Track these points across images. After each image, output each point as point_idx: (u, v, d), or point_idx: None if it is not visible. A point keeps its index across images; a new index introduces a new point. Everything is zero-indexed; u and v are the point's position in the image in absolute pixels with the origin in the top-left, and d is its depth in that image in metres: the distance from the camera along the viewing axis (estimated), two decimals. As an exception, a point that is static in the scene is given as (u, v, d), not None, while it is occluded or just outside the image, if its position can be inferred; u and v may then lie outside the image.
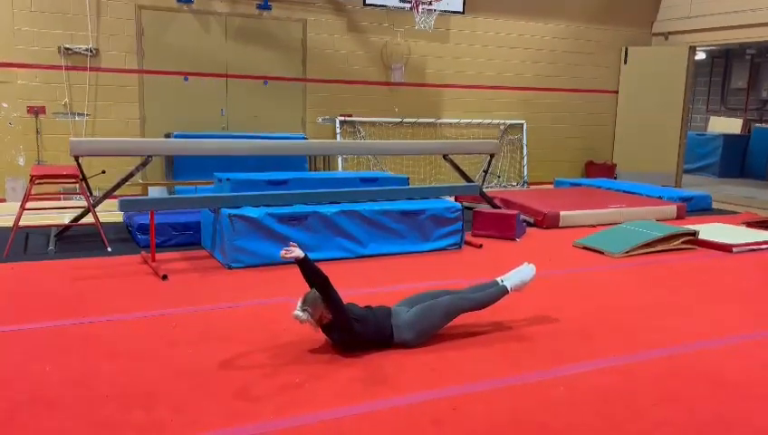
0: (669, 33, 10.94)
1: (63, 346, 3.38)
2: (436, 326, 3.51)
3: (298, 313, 3.22)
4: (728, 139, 13.02)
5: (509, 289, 3.75)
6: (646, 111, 10.84)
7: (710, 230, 6.53)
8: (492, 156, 7.59)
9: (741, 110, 13.82)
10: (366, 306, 3.50)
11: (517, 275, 3.81)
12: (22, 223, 5.47)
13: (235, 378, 3.04)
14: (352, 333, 3.29)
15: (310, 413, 2.71)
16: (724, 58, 13.90)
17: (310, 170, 8.50)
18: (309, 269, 3.26)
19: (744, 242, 6.15)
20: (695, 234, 6.16)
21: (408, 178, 6.73)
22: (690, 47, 10.59)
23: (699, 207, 8.57)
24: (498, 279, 3.80)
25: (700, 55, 12.81)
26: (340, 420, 2.67)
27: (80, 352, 3.29)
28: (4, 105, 7.52)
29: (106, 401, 2.77)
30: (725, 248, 6.05)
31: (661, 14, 11.08)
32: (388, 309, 3.50)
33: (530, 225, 7.03)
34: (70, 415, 2.65)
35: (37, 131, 7.67)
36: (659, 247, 5.95)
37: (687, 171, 12.05)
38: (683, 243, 6.08)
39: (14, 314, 3.86)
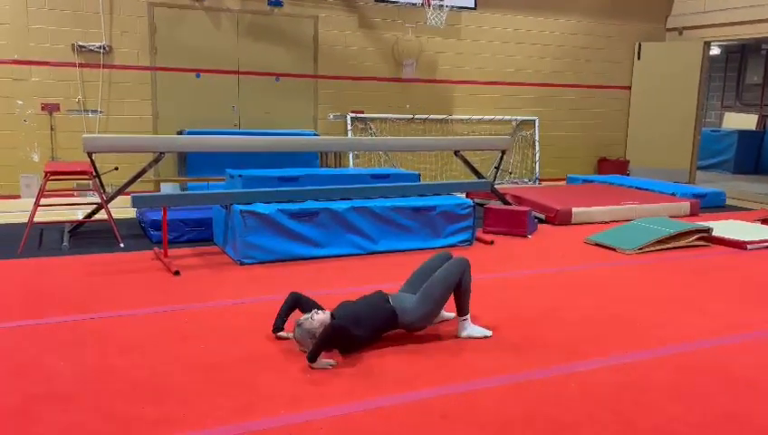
0: (684, 28, 10.84)
1: (77, 341, 3.41)
2: (439, 301, 3.49)
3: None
4: (743, 135, 12.90)
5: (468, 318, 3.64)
6: (659, 107, 10.76)
7: (724, 227, 6.48)
8: (503, 152, 7.56)
9: (756, 105, 13.67)
10: (360, 298, 3.53)
11: (480, 330, 3.66)
12: (36, 219, 5.53)
13: (246, 373, 3.05)
14: (357, 342, 3.30)
15: (320, 408, 2.72)
16: (740, 53, 13.75)
17: (321, 167, 8.52)
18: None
19: (758, 239, 6.09)
20: (708, 231, 6.12)
21: (420, 175, 6.72)
22: (705, 42, 10.49)
23: (713, 204, 8.50)
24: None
25: (715, 50, 12.68)
26: (351, 415, 2.68)
27: (93, 347, 3.32)
28: (19, 102, 7.59)
29: (118, 395, 2.79)
30: (739, 245, 6.00)
31: (675, 9, 10.99)
32: (385, 294, 3.51)
33: (542, 221, 7.01)
34: (83, 408, 2.68)
35: (51, 128, 7.74)
36: (672, 244, 5.91)
37: (701, 168, 11.95)
38: (696, 240, 6.04)
39: (29, 308, 3.91)
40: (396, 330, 3.46)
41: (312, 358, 3.10)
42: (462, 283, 3.56)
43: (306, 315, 3.33)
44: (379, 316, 3.38)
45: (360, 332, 3.29)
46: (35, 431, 2.50)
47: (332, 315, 3.37)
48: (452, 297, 3.57)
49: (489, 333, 3.60)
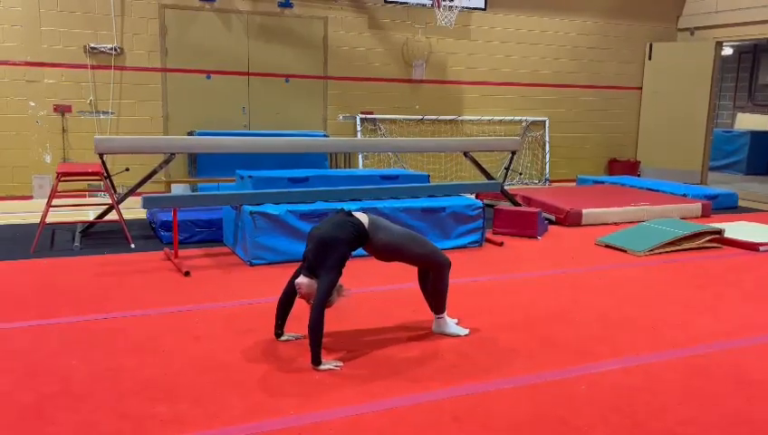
0: (695, 28, 10.77)
1: (89, 341, 3.43)
2: (405, 248, 3.49)
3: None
4: (756, 135, 12.78)
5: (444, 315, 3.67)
6: (670, 108, 10.69)
7: (736, 229, 6.43)
8: (513, 153, 7.55)
9: (769, 106, 13.57)
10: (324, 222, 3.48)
11: (454, 327, 3.67)
12: (48, 220, 5.56)
13: (257, 373, 3.06)
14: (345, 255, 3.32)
15: (330, 409, 2.72)
16: (752, 53, 13.64)
17: (330, 168, 8.53)
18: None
19: (771, 240, 6.04)
20: (720, 232, 6.07)
21: (429, 176, 6.71)
22: (717, 42, 10.42)
23: (725, 206, 8.43)
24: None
25: (727, 51, 12.58)
26: (361, 416, 2.68)
27: (105, 347, 3.34)
28: (32, 104, 7.65)
29: (130, 395, 2.81)
30: (751, 247, 5.95)
31: (687, 9, 10.92)
32: (345, 213, 3.46)
33: (552, 222, 6.98)
34: (95, 407, 2.69)
35: (63, 129, 7.79)
36: (683, 246, 5.87)
37: (713, 169, 11.85)
38: (708, 241, 5.99)
39: (41, 308, 3.93)
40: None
41: (316, 361, 3.11)
42: (440, 279, 3.54)
43: (302, 290, 3.26)
44: (347, 230, 3.32)
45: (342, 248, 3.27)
46: (49, 431, 2.52)
47: (304, 257, 3.32)
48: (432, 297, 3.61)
49: (465, 331, 3.62)
